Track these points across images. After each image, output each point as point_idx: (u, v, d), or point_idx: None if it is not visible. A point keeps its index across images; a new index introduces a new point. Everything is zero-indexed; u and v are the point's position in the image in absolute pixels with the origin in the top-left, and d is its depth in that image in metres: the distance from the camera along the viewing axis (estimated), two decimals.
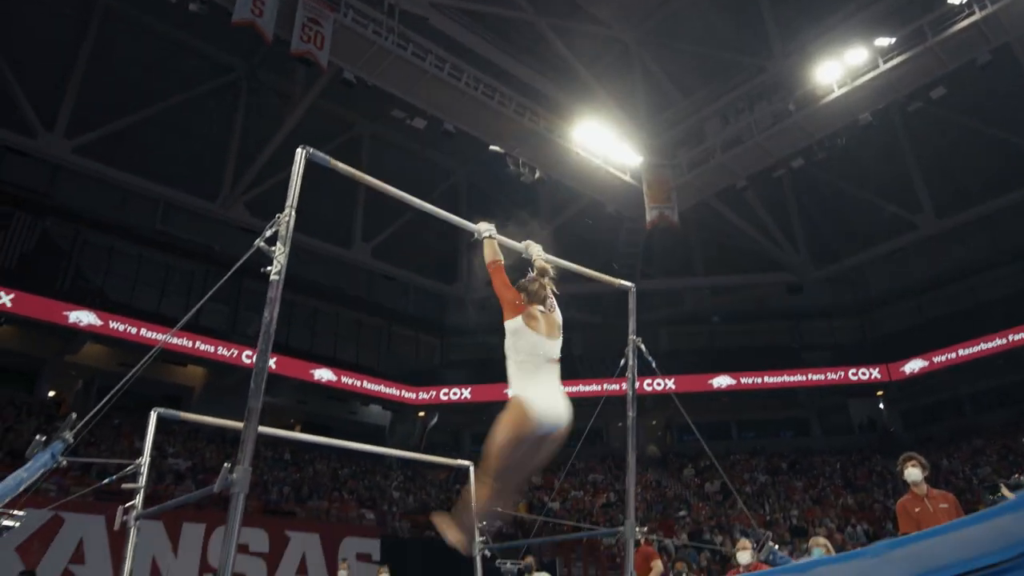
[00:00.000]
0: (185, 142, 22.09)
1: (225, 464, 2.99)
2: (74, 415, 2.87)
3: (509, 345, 3.75)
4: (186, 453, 17.30)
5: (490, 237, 3.96)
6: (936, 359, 23.83)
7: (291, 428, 25.11)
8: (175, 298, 22.51)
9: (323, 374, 23.14)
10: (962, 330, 23.45)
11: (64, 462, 2.88)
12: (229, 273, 3.52)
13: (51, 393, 19.89)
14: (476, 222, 4.11)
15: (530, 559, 9.07)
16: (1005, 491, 5.26)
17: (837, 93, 18.79)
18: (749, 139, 20.51)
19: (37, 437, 2.80)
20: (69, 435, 2.80)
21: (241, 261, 3.44)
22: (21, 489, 2.73)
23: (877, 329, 27.92)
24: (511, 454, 3.53)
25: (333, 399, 24.73)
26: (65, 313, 18.58)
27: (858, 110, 18.97)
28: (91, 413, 3.07)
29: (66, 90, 18.89)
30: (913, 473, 5.77)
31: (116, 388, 3.32)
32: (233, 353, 21.22)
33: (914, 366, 24.40)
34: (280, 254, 3.32)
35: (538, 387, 3.60)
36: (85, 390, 20.66)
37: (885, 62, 18.11)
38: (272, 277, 3.30)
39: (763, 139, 20.25)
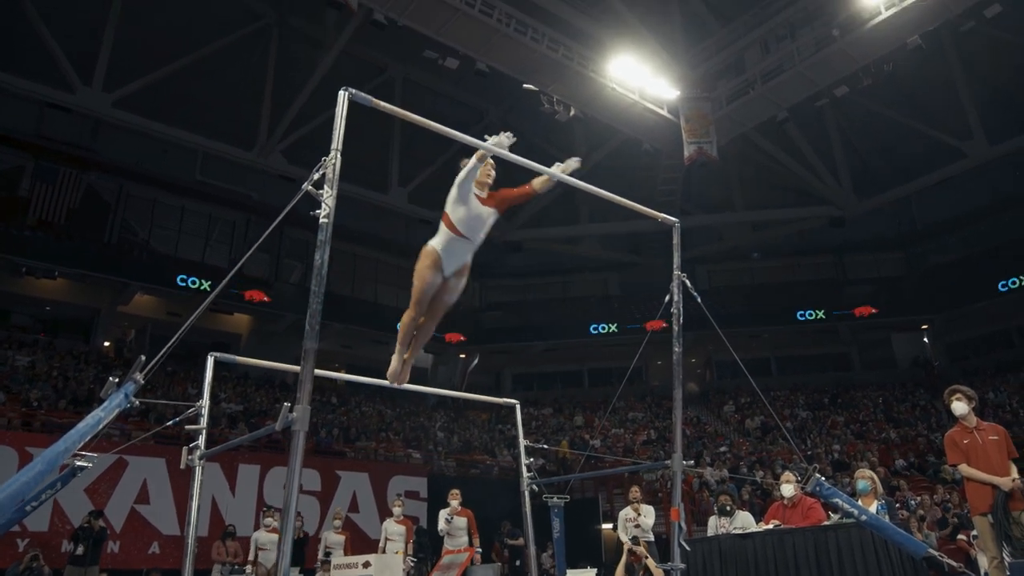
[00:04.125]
0: (220, 92, 22.14)
1: (285, 403, 3.10)
2: (143, 357, 2.98)
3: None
4: (237, 399, 17.87)
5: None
6: (984, 291, 23.27)
7: (336, 372, 25.80)
8: (218, 247, 22.97)
9: (365, 319, 23.58)
10: (1012, 260, 22.81)
11: (137, 402, 3.01)
12: (280, 217, 3.57)
13: (106, 343, 20.60)
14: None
15: None
16: None
17: (885, 15, 17.90)
18: (791, 68, 19.79)
19: (111, 379, 2.92)
20: (140, 376, 2.92)
21: (291, 204, 3.49)
22: (101, 427, 2.87)
23: (923, 262, 27.31)
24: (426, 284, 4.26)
25: (376, 343, 25.21)
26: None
27: (907, 33, 18.11)
28: (157, 357, 3.18)
29: (100, 43, 18.96)
30: (959, 406, 5.70)
31: (175, 337, 3.43)
32: (277, 301, 21.68)
33: (961, 298, 23.88)
34: (328, 197, 3.36)
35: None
36: (138, 338, 21.38)
37: None
38: (321, 220, 3.34)
39: (805, 67, 19.53)
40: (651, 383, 26.51)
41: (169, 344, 3.53)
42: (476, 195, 4.28)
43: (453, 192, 4.25)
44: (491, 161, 4.34)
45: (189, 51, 20.04)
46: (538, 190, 4.43)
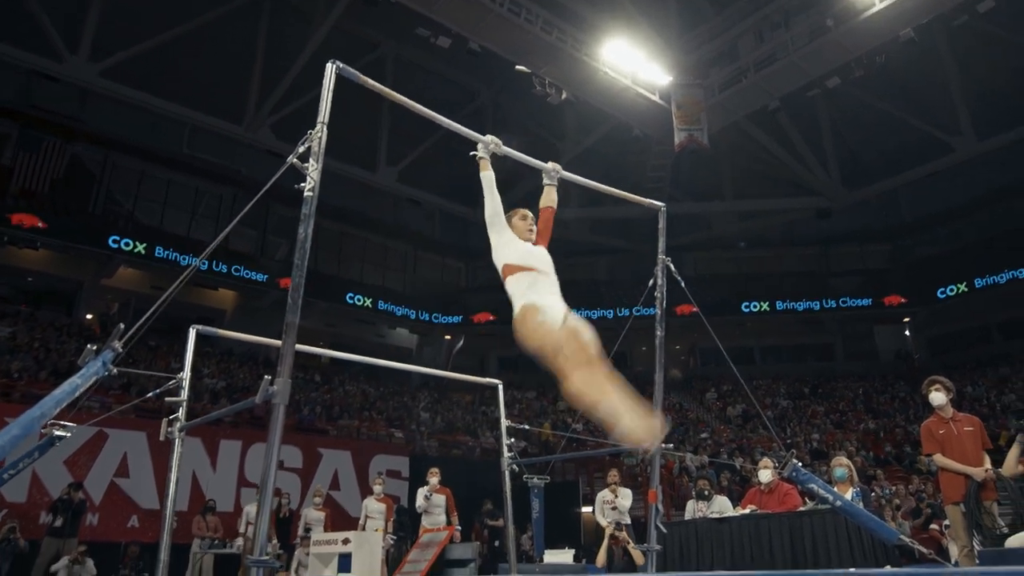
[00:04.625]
0: (210, 65, 21.86)
1: (266, 376, 3.09)
2: (122, 325, 2.96)
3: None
4: (220, 374, 17.81)
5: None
6: (967, 286, 23.52)
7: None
8: (204, 221, 22.78)
9: (351, 297, 23.51)
10: (994, 257, 23.06)
11: (115, 371, 2.99)
12: (264, 189, 3.55)
13: (88, 316, 20.43)
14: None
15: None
16: None
17: (879, 6, 17.90)
18: (784, 57, 19.78)
19: (88, 346, 2.90)
20: (118, 344, 2.90)
21: (276, 177, 3.46)
22: (77, 395, 2.85)
23: (908, 255, 27.55)
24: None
25: (361, 322, 25.17)
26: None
27: (900, 25, 18.13)
28: (136, 325, 3.16)
29: (88, 12, 18.66)
30: (937, 397, 5.79)
31: (156, 305, 3.40)
32: (262, 277, 21.57)
33: (943, 293, 24.12)
34: (313, 170, 3.33)
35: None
36: (121, 312, 21.23)
37: None
38: (306, 193, 3.31)
39: (799, 57, 19.52)
40: (635, 368, 26.57)
41: (150, 312, 3.51)
42: (528, 240, 3.80)
43: (495, 240, 3.75)
44: (527, 213, 3.89)
45: (180, 22, 19.75)
46: (554, 207, 4.12)
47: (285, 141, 21.11)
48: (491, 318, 25.25)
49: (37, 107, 19.55)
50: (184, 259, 19.93)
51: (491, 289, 27.54)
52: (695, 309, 5.32)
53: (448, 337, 26.45)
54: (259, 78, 21.07)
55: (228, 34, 21.53)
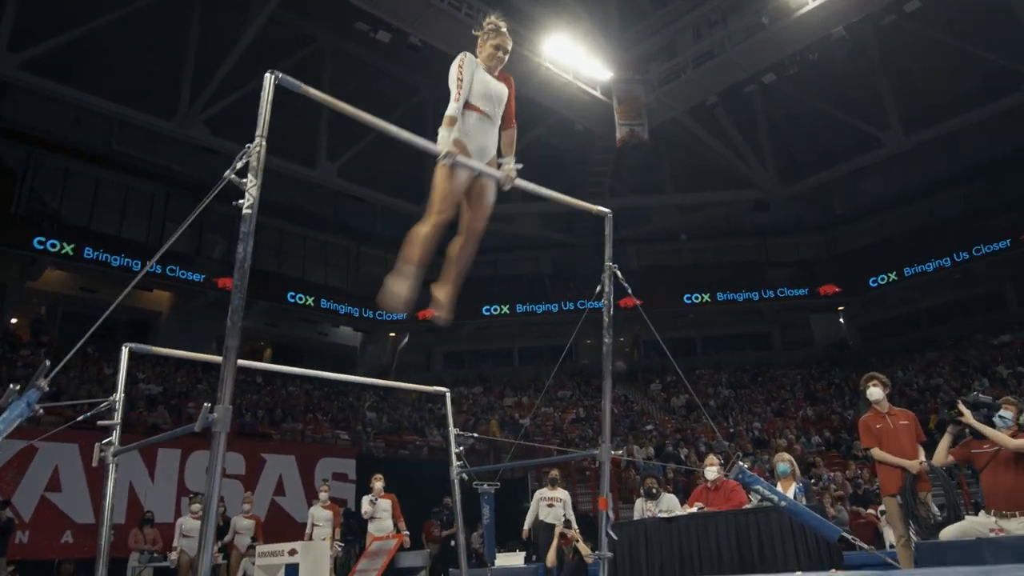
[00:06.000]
0: (139, 57, 21.01)
1: (205, 404, 2.96)
2: (47, 362, 2.78)
3: None
4: (157, 378, 17.22)
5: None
6: (894, 275, 24.47)
7: (261, 351, 25.12)
8: (135, 220, 21.97)
9: (293, 296, 23.00)
10: (921, 247, 24.04)
11: (40, 410, 2.82)
12: (198, 209, 3.38)
13: (13, 320, 19.51)
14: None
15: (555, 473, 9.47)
16: (962, 407, 5.47)
17: (812, 5, 18.44)
18: (721, 53, 20.18)
19: (11, 386, 2.72)
20: (44, 383, 2.73)
21: (210, 196, 3.32)
22: (0, 440, 2.68)
23: (840, 246, 28.48)
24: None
25: (303, 320, 24.69)
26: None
27: (832, 23, 18.70)
28: (64, 360, 2.99)
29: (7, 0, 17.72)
30: (875, 392, 5.98)
31: (85, 336, 3.23)
32: (199, 277, 20.91)
33: (874, 282, 25.03)
34: (252, 187, 3.19)
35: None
36: (48, 315, 20.33)
37: None
38: (244, 211, 3.17)
39: (735, 53, 19.93)
40: (580, 361, 26.85)
41: (80, 342, 3.33)
42: (487, 71, 3.68)
43: (455, 78, 3.59)
44: (504, 32, 3.72)
45: (107, 11, 18.91)
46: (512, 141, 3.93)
47: (220, 137, 20.51)
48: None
49: None
50: (115, 260, 19.20)
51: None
52: (639, 303, 5.35)
53: (393, 335, 26.18)
54: (192, 71, 20.34)
55: (158, 25, 20.72)
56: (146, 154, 21.94)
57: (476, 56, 3.76)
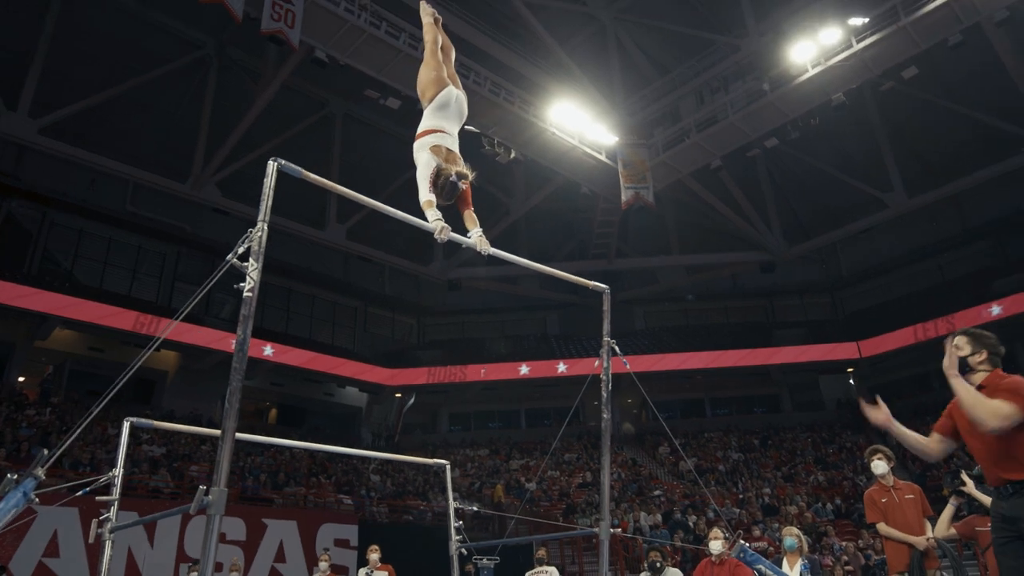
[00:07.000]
0: (154, 121, 21.65)
1: (201, 487, 2.97)
2: (45, 451, 2.82)
3: None
4: (160, 440, 17.13)
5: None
6: (904, 336, 24.28)
7: (266, 411, 25.06)
8: (146, 280, 22.25)
9: (299, 356, 22.97)
10: (930, 307, 23.91)
11: (37, 500, 2.84)
12: (200, 292, 3.46)
13: (20, 379, 19.56)
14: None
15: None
16: (965, 477, 5.40)
17: (811, 73, 18.85)
18: (724, 118, 20.54)
19: (8, 476, 2.74)
20: (41, 472, 2.75)
21: (212, 280, 3.40)
22: None
23: (848, 306, 28.41)
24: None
25: (309, 381, 24.63)
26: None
27: (831, 90, 19.06)
28: (69, 437, 3.02)
29: (29, 68, 18.32)
30: (879, 466, 5.93)
31: (92, 407, 3.27)
32: (207, 337, 20.98)
33: (883, 343, 24.83)
34: (253, 270, 3.28)
35: None
36: (56, 375, 20.38)
37: (858, 42, 18.17)
38: (245, 294, 3.25)
39: (737, 119, 20.29)
40: (587, 423, 26.59)
41: (87, 415, 3.37)
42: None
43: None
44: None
45: (124, 79, 19.55)
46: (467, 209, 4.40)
47: (232, 198, 20.87)
48: (442, 375, 25.01)
49: None
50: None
51: (442, 345, 27.38)
52: (629, 369, 5.36)
53: (399, 396, 26.07)
54: (205, 134, 20.85)
55: (173, 91, 21.42)
56: (159, 215, 22.37)
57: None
